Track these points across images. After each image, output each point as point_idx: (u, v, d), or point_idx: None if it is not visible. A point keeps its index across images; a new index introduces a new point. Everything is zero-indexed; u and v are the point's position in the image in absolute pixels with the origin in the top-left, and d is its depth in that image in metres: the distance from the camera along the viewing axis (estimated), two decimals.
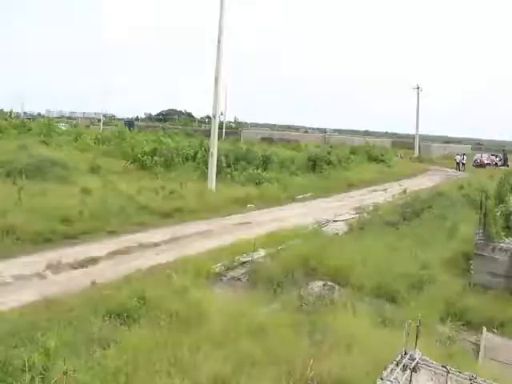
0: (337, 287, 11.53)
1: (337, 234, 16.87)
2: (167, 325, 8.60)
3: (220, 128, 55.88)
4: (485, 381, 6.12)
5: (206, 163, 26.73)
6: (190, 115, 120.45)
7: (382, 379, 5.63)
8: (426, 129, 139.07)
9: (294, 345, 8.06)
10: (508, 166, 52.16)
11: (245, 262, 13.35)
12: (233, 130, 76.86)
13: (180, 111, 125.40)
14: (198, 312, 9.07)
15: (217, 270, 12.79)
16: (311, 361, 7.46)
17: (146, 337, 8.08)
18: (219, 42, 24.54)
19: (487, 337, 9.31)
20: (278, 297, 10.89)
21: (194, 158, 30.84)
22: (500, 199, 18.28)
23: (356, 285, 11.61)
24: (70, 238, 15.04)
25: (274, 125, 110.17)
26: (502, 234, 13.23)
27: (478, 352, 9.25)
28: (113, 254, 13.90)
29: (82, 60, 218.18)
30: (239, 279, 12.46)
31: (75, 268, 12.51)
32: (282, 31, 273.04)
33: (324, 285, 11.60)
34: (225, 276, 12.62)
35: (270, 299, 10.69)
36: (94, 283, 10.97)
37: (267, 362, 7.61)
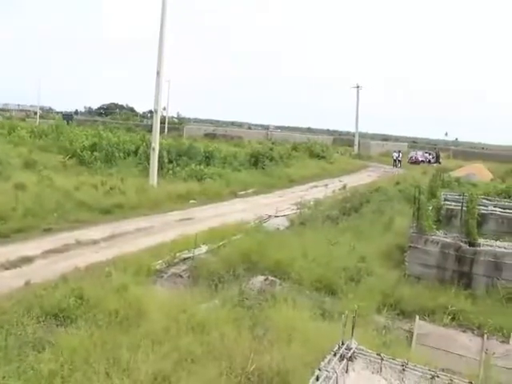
0: (278, 281, 11.70)
1: (278, 229, 17.08)
2: (106, 324, 8.41)
3: (162, 123, 55.17)
4: (416, 366, 6.42)
5: (147, 159, 26.26)
6: (132, 110, 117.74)
7: (319, 369, 5.76)
8: (366, 127, 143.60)
9: (235, 340, 8.09)
10: (440, 162, 54.84)
11: (186, 259, 13.26)
12: (175, 126, 75.93)
13: (122, 105, 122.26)
14: (137, 310, 8.93)
15: (158, 266, 12.62)
16: (252, 355, 7.53)
17: (83, 337, 7.85)
18: (161, 35, 24.15)
19: (420, 324, 9.76)
20: (219, 292, 10.89)
21: (136, 153, 30.20)
22: (432, 194, 19.20)
23: (297, 279, 11.83)
24: (2, 237, 14.34)
25: (218, 121, 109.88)
26: (434, 227, 13.89)
27: (411, 339, 9.69)
28: (49, 253, 13.39)
29: (16, 49, 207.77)
30: (180, 276, 12.35)
31: (7, 268, 11.94)
32: (224, 27, 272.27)
33: (265, 279, 11.74)
34: (166, 273, 12.48)
35: (211, 295, 10.67)
36: (27, 283, 10.51)
37: (208, 358, 7.61)
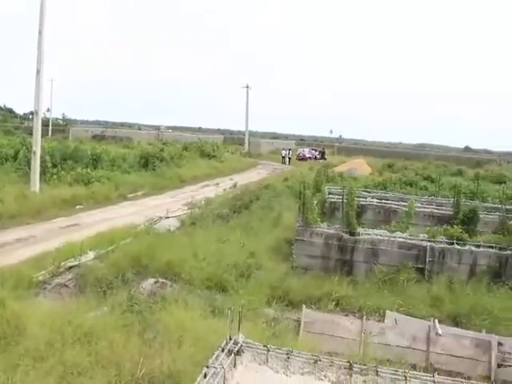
0: (169, 283, 11.60)
1: (169, 230, 16.90)
2: None
3: (46, 125, 51.78)
4: (300, 353, 6.75)
5: (28, 163, 24.46)
6: (10, 111, 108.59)
7: (207, 367, 5.82)
8: (256, 126, 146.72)
9: (124, 346, 7.89)
10: (325, 159, 57.86)
11: (72, 267, 12.61)
12: (61, 128, 71.63)
13: None
14: (16, 327, 8.32)
15: (40, 278, 11.88)
16: (142, 360, 7.40)
17: None
18: (40, 32, 22.62)
19: (306, 313, 10.24)
20: (107, 299, 10.54)
21: (15, 157, 28.01)
22: (317, 189, 20.25)
23: (188, 279, 11.82)
24: None
25: (107, 122, 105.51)
26: (318, 219, 14.65)
27: (299, 328, 10.14)
28: None
29: None
30: (66, 285, 11.75)
31: None
32: (106, 33, 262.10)
33: (155, 282, 11.57)
34: (50, 284, 11.78)
35: (99, 303, 10.29)
36: None
37: (96, 369, 7.34)
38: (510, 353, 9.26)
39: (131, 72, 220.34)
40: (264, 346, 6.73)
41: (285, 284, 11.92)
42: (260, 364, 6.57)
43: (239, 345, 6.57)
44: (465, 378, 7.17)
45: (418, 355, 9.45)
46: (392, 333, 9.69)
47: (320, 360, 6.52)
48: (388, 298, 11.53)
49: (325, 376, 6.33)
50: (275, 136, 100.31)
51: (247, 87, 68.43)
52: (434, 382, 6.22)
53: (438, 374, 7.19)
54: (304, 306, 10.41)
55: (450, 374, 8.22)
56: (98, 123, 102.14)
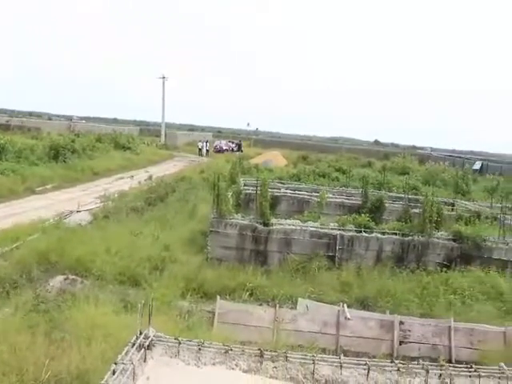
0: (79, 279, 11.15)
1: (80, 224, 16.21)
2: None
3: None
4: (211, 343, 6.79)
5: None
6: None
7: (115, 363, 5.67)
8: (173, 117, 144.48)
9: (29, 349, 7.47)
10: (242, 151, 58.32)
11: None
12: None
13: None
14: None
15: None
16: (47, 361, 7.06)
17: None
18: None
19: (221, 304, 10.29)
20: (11, 300, 9.92)
21: None
22: (232, 180, 20.36)
23: (99, 274, 11.43)
24: None
25: (13, 111, 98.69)
26: (233, 211, 14.75)
27: (214, 319, 10.18)
28: None
29: None
30: None
31: None
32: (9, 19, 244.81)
33: (65, 279, 11.08)
34: None
35: (2, 304, 9.68)
36: None
37: None
38: (409, 330, 9.92)
39: (41, 59, 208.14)
40: (175, 338, 6.68)
41: (199, 276, 11.89)
42: (171, 357, 6.51)
43: (150, 339, 6.47)
44: (369, 357, 7.61)
45: (328, 339, 9.84)
46: (304, 319, 10.01)
47: (231, 349, 6.59)
48: (300, 286, 11.89)
49: (236, 365, 6.41)
50: (192, 128, 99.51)
51: (163, 78, 67.11)
52: (340, 362, 6.54)
53: (347, 356, 7.60)
54: (218, 297, 10.45)
55: (357, 354, 8.65)
56: (2, 112, 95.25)
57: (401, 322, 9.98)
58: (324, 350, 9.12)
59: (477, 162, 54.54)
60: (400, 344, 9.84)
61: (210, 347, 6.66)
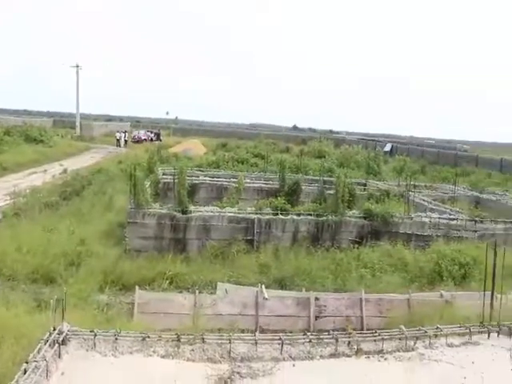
0: None
1: None
2: None
3: None
4: (128, 332, 6.78)
5: None
6: None
7: (27, 362, 5.54)
8: (89, 108, 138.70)
9: None
10: (161, 140, 57.34)
11: None
12: None
13: None
14: None
15: None
16: None
17: None
18: None
19: (140, 294, 10.22)
20: None
21: None
22: (151, 170, 20.08)
23: (10, 274, 10.93)
24: None
25: None
26: (150, 200, 14.60)
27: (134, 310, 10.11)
28: None
29: None
30: None
31: None
32: None
33: None
34: None
35: None
36: None
37: None
38: (324, 305, 10.44)
39: None
40: (91, 331, 6.61)
41: (118, 268, 11.71)
42: (87, 350, 6.45)
43: (64, 334, 6.37)
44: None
45: (248, 320, 10.12)
46: (223, 303, 10.20)
47: (148, 337, 6.65)
48: (220, 271, 12.08)
49: (154, 351, 6.47)
50: (109, 118, 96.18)
51: (77, 67, 64.04)
52: (255, 340, 6.80)
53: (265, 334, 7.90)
54: (137, 287, 10.37)
55: (276, 332, 8.97)
56: None
57: (316, 298, 10.47)
58: (244, 331, 9.37)
59: (387, 144, 57.59)
60: (316, 319, 10.33)
61: (126, 336, 6.67)
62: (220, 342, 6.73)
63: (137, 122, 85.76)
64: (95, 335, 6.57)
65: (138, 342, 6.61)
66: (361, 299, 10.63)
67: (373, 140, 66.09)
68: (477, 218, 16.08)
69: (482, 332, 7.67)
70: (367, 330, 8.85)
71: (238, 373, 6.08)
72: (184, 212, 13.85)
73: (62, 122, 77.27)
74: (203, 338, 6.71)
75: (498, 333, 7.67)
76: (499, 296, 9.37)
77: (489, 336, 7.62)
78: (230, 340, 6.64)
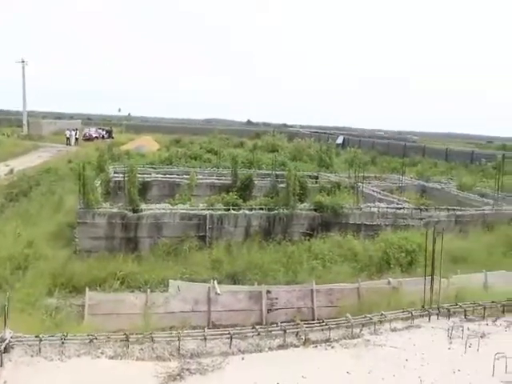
0: None
1: None
2: None
3: None
4: (75, 335, 6.68)
5: None
6: None
7: None
8: (37, 105, 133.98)
9: None
10: (113, 137, 56.12)
11: None
12: None
13: None
14: None
15: None
16: None
17: None
18: None
19: (90, 296, 10.05)
20: None
21: None
22: (101, 168, 19.69)
23: None
24: None
25: None
26: (101, 200, 14.34)
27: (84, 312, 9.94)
28: None
29: None
30: None
31: None
32: None
33: None
34: None
35: None
36: None
37: None
38: (276, 298, 10.60)
39: None
40: (36, 336, 6.49)
41: (67, 270, 11.46)
42: (32, 356, 6.33)
43: (6, 342, 6.22)
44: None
45: (200, 316, 10.15)
46: (175, 300, 10.18)
47: (96, 338, 6.59)
48: (172, 268, 12.03)
49: (102, 352, 6.42)
50: (59, 116, 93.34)
51: (23, 62, 61.61)
52: (204, 335, 6.87)
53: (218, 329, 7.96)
54: (87, 289, 10.21)
55: (228, 327, 9.04)
56: None
57: (268, 292, 10.61)
58: (196, 328, 9.40)
59: (339, 137, 58.65)
60: (268, 312, 10.47)
61: (73, 339, 6.58)
62: (169, 339, 6.75)
63: (88, 120, 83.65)
64: (40, 340, 6.44)
65: (86, 344, 6.54)
66: (312, 290, 10.85)
67: (325, 133, 67.12)
68: (422, 207, 16.69)
69: (423, 315, 8.05)
70: (318, 319, 9.06)
71: (188, 369, 6.13)
72: (135, 210, 13.68)
73: (8, 120, 74.29)
74: (152, 337, 6.71)
75: (438, 315, 8.07)
76: (443, 280, 9.88)
77: (429, 319, 8.00)
78: (179, 337, 6.68)
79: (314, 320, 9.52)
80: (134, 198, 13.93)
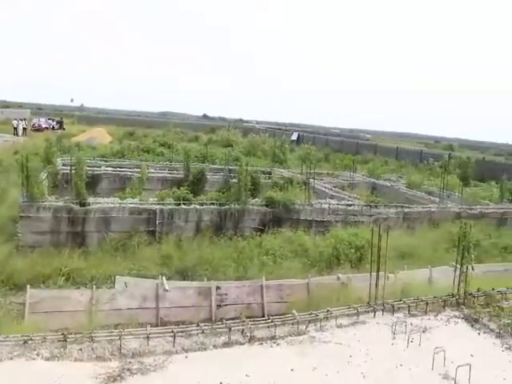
0: None
1: None
2: None
3: None
4: (8, 336, 6.35)
5: None
6: None
7: None
8: None
9: None
10: (64, 129, 54.26)
11: None
12: None
13: None
14: None
15: None
16: None
17: None
18: None
19: (32, 293, 9.62)
20: None
21: None
22: (49, 160, 18.98)
23: None
24: None
25: None
26: (46, 193, 13.81)
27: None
28: None
29: None
30: None
31: None
32: None
33: None
34: None
35: None
36: None
37: None
38: (226, 294, 10.50)
39: None
40: None
41: (8, 266, 10.97)
42: None
43: None
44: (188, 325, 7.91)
45: (148, 313, 9.92)
46: (122, 297, 9.89)
47: (31, 339, 6.30)
48: (121, 264, 11.72)
49: (37, 354, 6.14)
50: (7, 105, 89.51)
51: None
52: (147, 334, 6.69)
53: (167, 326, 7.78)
54: (28, 286, 9.77)
55: (177, 324, 8.90)
56: None
57: (217, 287, 10.49)
58: (143, 325, 9.19)
59: (294, 133, 59.07)
60: (218, 308, 10.36)
61: (6, 341, 6.26)
62: (110, 338, 6.54)
63: (38, 109, 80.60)
64: None
65: (20, 345, 6.23)
66: (261, 286, 10.81)
67: (280, 129, 67.47)
68: (372, 204, 17.01)
69: (368, 311, 8.17)
70: (268, 315, 9.03)
71: (129, 369, 5.95)
72: (82, 204, 13.24)
73: None
74: (92, 336, 6.48)
75: (383, 311, 8.21)
76: (391, 276, 10.07)
77: (374, 315, 8.13)
78: (120, 336, 6.47)
79: (264, 316, 9.52)
80: (81, 191, 13.49)
